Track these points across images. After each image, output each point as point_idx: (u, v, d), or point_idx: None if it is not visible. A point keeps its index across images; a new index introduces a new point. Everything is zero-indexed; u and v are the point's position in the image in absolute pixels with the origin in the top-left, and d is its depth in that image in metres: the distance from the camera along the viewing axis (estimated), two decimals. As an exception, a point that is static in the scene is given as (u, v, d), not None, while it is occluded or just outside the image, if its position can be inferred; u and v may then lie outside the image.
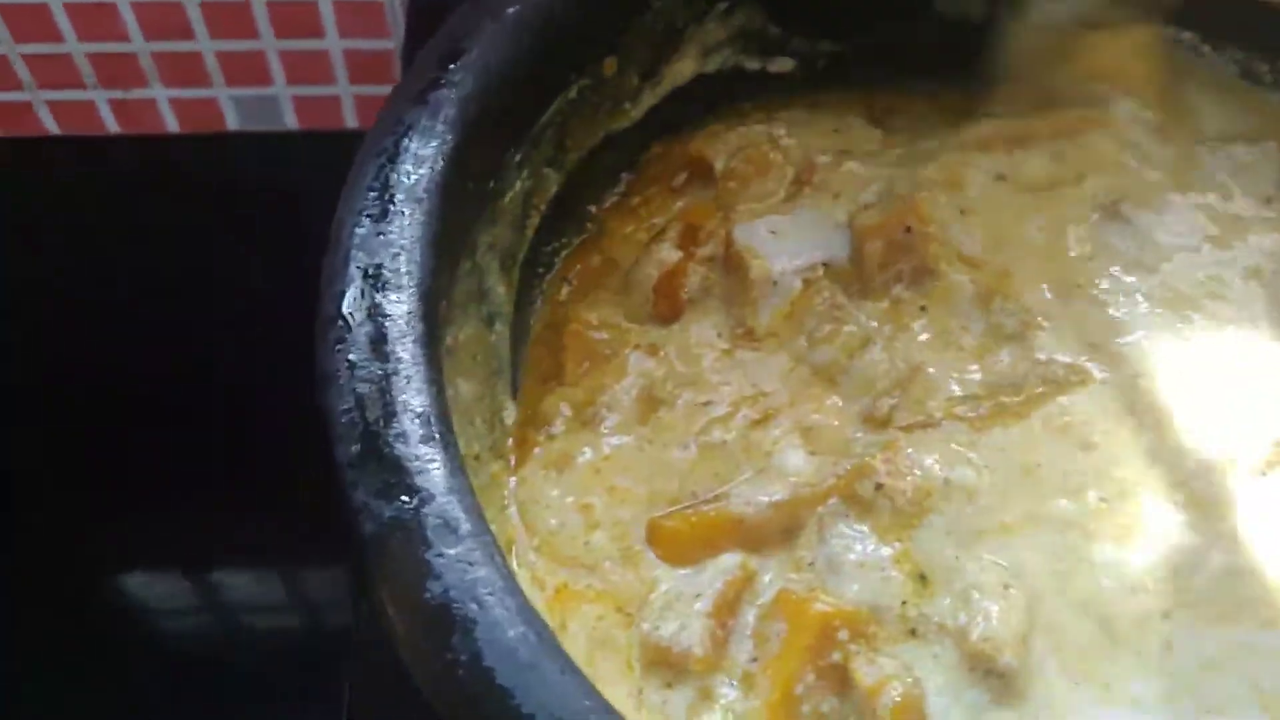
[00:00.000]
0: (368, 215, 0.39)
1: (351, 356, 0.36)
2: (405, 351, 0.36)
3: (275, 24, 0.67)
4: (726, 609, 0.39)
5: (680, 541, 0.41)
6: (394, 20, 0.67)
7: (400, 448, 0.34)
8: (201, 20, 0.66)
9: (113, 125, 0.72)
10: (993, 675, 0.37)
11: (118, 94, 0.70)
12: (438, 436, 0.35)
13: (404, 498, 0.34)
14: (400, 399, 0.35)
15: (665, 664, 0.39)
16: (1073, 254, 0.48)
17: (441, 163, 0.41)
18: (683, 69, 0.57)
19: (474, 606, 0.32)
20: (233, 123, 0.73)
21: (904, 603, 0.39)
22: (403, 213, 0.40)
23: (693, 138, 0.56)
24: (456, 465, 0.35)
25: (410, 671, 0.32)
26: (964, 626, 0.38)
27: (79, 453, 0.62)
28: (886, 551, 0.40)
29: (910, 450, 0.42)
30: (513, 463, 0.45)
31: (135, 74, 0.69)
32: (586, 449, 0.45)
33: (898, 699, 0.36)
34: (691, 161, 0.56)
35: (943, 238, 0.48)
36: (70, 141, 0.73)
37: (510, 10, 0.46)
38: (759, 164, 0.53)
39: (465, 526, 0.33)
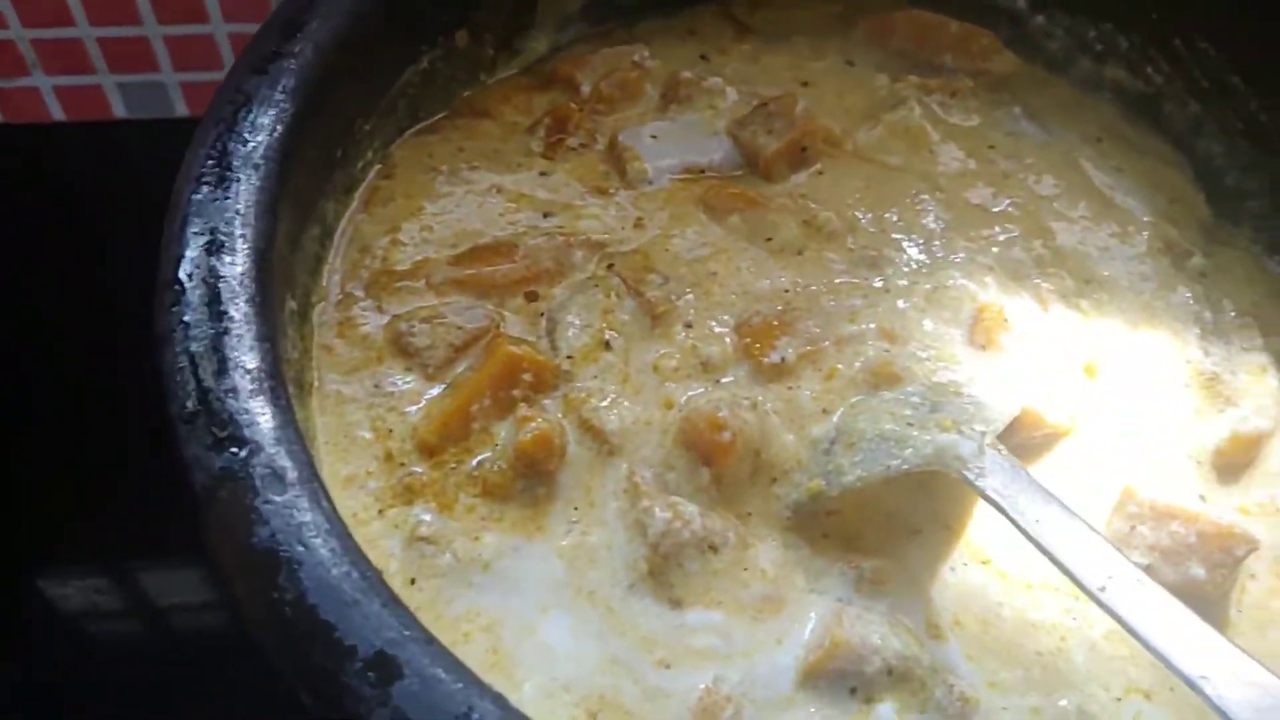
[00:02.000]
0: (205, 182, 0.41)
1: (186, 318, 0.38)
2: (237, 311, 0.38)
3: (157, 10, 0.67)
4: (466, 345, 0.46)
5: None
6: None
7: (231, 402, 0.36)
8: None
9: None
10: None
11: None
12: (268, 390, 0.37)
13: (234, 449, 0.35)
14: (232, 356, 0.37)
15: (404, 354, 0.46)
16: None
17: (280, 130, 0.43)
18: (538, 44, 0.58)
19: (300, 549, 0.34)
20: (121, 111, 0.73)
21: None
22: (239, 179, 0.41)
23: (554, 59, 0.58)
24: (286, 418, 0.36)
25: (240, 614, 0.34)
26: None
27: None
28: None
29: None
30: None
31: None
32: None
33: (530, 434, 0.42)
34: (556, 80, 0.57)
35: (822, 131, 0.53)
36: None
37: (349, -17, 0.47)
38: (625, 88, 0.55)
39: (292, 475, 0.35)
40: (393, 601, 0.34)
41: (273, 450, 0.35)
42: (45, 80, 0.71)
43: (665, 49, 0.58)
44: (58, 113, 0.73)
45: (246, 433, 0.36)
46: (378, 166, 0.52)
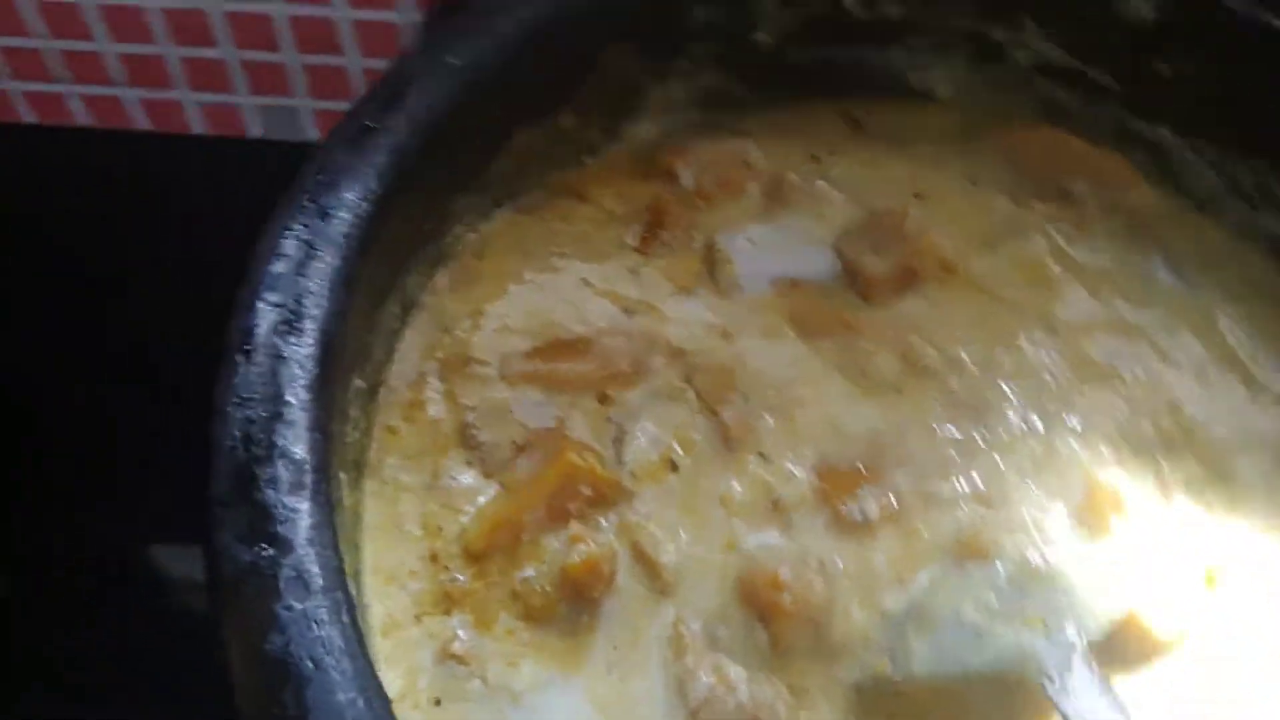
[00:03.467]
0: (283, 256, 0.40)
1: (242, 393, 0.36)
2: (295, 396, 0.37)
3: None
4: (529, 445, 0.44)
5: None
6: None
7: (269, 493, 0.34)
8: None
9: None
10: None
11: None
12: (309, 486, 0.35)
13: (264, 545, 0.34)
14: (280, 444, 0.36)
15: (466, 446, 0.44)
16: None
17: (365, 208, 0.42)
18: (648, 128, 0.56)
19: (309, 665, 0.32)
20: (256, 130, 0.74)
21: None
22: (318, 257, 0.40)
23: (657, 147, 0.55)
24: (323, 518, 0.35)
25: (240, 712, 0.32)
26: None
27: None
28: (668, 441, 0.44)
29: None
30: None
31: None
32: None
33: (579, 558, 0.40)
34: (658, 170, 0.54)
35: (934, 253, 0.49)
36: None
37: (451, 61, 0.46)
38: (728, 185, 0.53)
39: (318, 582, 0.33)
40: (397, 741, 0.31)
41: (303, 551, 0.34)
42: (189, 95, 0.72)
43: (774, 144, 0.55)
44: (199, 125, 0.74)
45: (280, 530, 0.34)
46: (469, 240, 0.51)
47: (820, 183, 0.52)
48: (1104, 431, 0.44)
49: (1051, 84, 0.54)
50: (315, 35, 0.68)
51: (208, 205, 0.70)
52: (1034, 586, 0.39)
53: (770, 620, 0.39)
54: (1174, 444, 0.45)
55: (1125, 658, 0.40)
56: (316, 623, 0.33)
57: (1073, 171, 0.53)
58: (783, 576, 0.39)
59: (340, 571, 0.34)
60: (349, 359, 0.42)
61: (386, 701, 0.32)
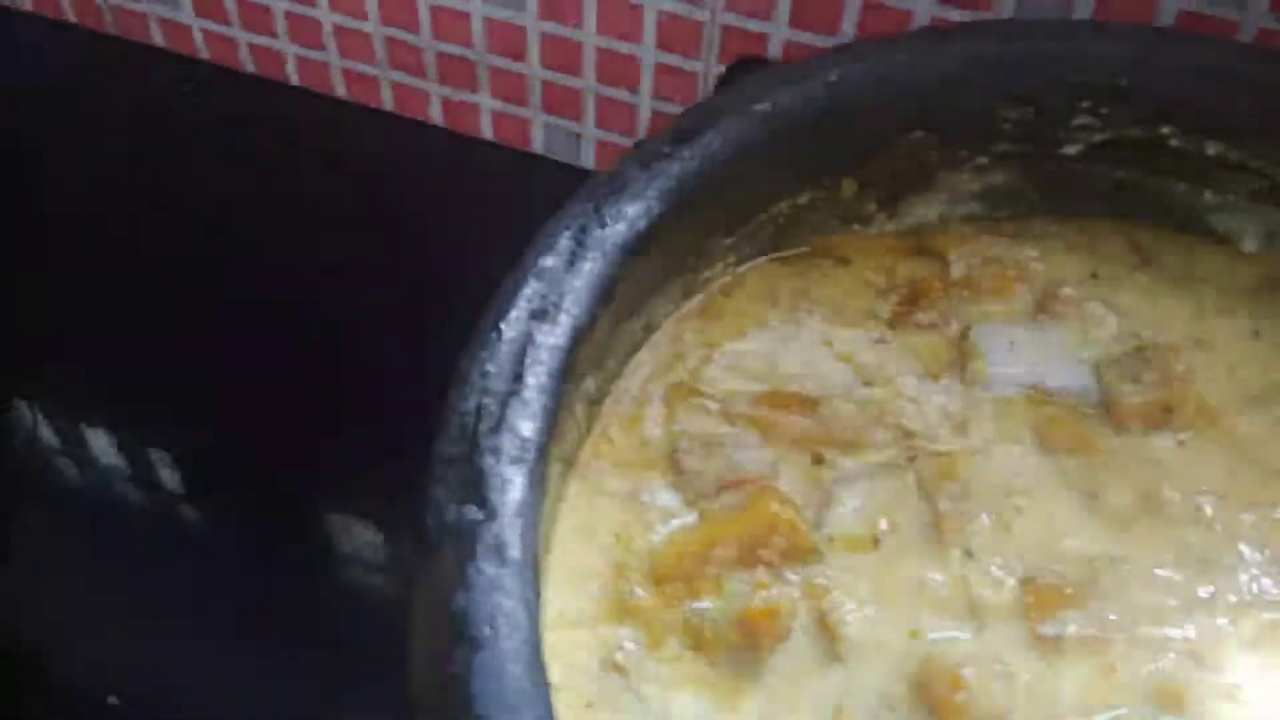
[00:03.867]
0: (554, 252, 0.42)
1: (489, 368, 0.39)
2: (534, 379, 0.39)
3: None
4: (735, 484, 0.44)
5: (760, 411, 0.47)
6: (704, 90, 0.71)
7: (490, 461, 0.36)
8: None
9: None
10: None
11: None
12: (529, 462, 0.37)
13: (474, 506, 0.35)
14: (511, 419, 0.37)
15: (673, 470, 0.45)
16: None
17: (642, 225, 0.43)
18: (927, 211, 0.56)
19: (487, 630, 0.33)
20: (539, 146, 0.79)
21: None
22: (587, 258, 0.42)
23: (933, 231, 0.55)
24: (534, 497, 0.36)
25: (409, 660, 0.34)
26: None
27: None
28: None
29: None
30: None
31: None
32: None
33: (763, 603, 0.40)
34: (928, 251, 0.54)
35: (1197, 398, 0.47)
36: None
37: (757, 108, 0.47)
38: (999, 284, 0.52)
39: (515, 554, 0.35)
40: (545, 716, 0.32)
41: (508, 521, 0.35)
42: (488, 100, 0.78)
43: (1054, 254, 0.53)
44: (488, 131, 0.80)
45: (492, 496, 0.36)
46: (723, 281, 0.52)
47: (1095, 304, 0.51)
48: (1350, 622, 0.41)
49: (1369, 254, 0.51)
50: (617, 68, 0.72)
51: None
52: None
53: (940, 716, 0.38)
54: None
55: None
56: (502, 591, 0.34)
57: (1369, 344, 0.49)
58: (965, 674, 0.38)
59: (535, 551, 0.36)
60: (589, 360, 0.43)
61: (548, 686, 0.33)
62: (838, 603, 0.41)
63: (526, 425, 0.37)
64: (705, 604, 0.41)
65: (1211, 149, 0.52)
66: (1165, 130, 0.52)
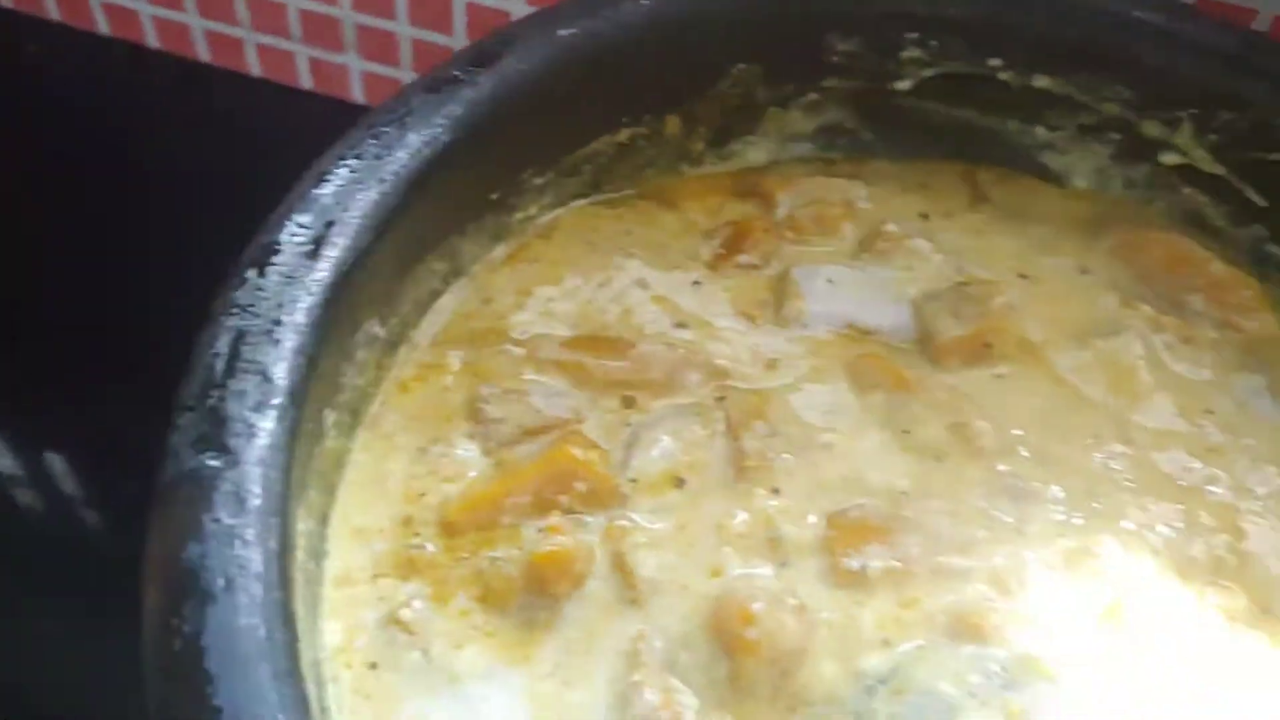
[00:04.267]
0: (327, 182, 0.39)
1: (240, 304, 0.36)
2: (289, 318, 0.36)
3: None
4: (538, 431, 0.42)
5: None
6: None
7: (232, 405, 0.34)
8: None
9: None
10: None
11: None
12: (275, 408, 0.34)
13: (211, 454, 0.33)
14: (259, 359, 0.35)
15: (473, 419, 0.42)
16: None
17: (426, 154, 0.41)
18: (758, 151, 0.54)
19: (220, 582, 0.30)
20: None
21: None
22: (361, 190, 0.39)
23: (765, 173, 0.53)
24: (282, 442, 0.34)
25: (143, 621, 0.31)
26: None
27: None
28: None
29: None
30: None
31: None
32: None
33: (550, 548, 0.38)
34: (757, 194, 0.52)
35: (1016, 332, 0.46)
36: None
37: (563, 33, 0.45)
38: (823, 222, 0.50)
39: (255, 502, 0.32)
40: (287, 677, 0.29)
41: (249, 469, 0.33)
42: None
43: (887, 195, 0.52)
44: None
45: (231, 442, 0.33)
46: (539, 221, 0.50)
47: (921, 240, 0.49)
48: (1151, 545, 0.40)
49: (1196, 192, 0.50)
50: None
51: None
52: (1024, 680, 0.35)
53: (734, 654, 0.36)
54: (1224, 572, 0.40)
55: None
56: (240, 541, 0.31)
57: (1194, 284, 0.48)
58: (753, 609, 0.36)
59: (284, 500, 0.33)
60: (367, 301, 0.41)
61: (292, 637, 0.31)
62: (636, 545, 0.39)
63: (277, 368, 0.35)
64: (497, 553, 0.39)
65: (1040, 82, 0.51)
66: (994, 63, 0.51)
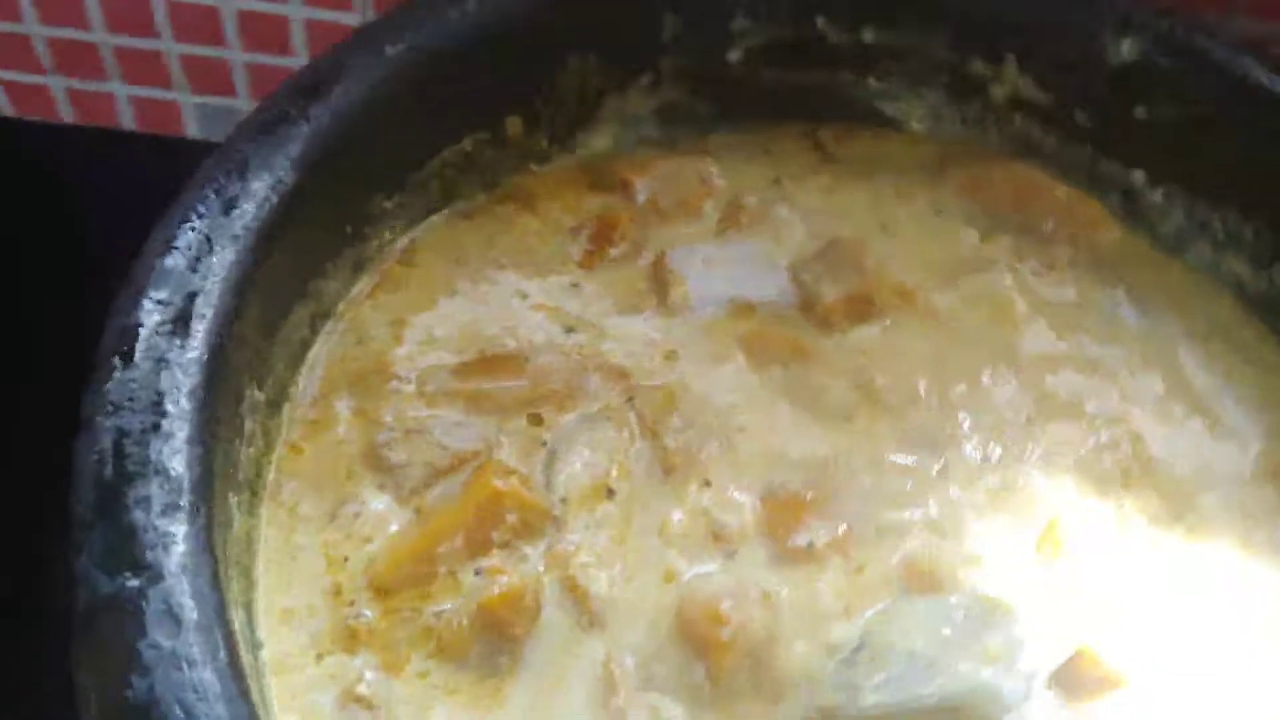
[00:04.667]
0: (176, 250, 0.36)
1: (114, 400, 0.32)
2: (174, 405, 0.32)
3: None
4: (450, 469, 0.40)
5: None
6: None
7: (138, 515, 0.30)
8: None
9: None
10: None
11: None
12: (185, 507, 0.31)
13: (128, 573, 0.29)
14: (154, 458, 0.31)
15: (377, 469, 0.40)
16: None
17: (274, 203, 0.38)
18: (599, 141, 0.53)
19: (179, 713, 0.28)
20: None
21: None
22: (214, 252, 0.36)
23: (613, 161, 0.51)
24: (201, 544, 0.30)
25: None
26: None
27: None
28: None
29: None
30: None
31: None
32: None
33: (497, 591, 0.37)
34: (612, 183, 0.51)
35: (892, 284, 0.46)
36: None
37: (388, 51, 0.42)
38: (684, 204, 0.50)
39: (191, 616, 0.29)
40: (276, 801, 0.27)
41: (174, 581, 0.29)
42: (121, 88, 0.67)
43: (736, 166, 0.52)
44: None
45: (148, 555, 0.30)
46: (399, 246, 0.47)
47: (780, 207, 0.50)
48: (1064, 465, 0.42)
49: (1028, 121, 0.52)
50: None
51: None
52: (990, 620, 0.36)
53: (708, 656, 0.36)
54: (1134, 479, 0.42)
55: (1079, 690, 0.37)
56: (188, 663, 0.28)
57: (1042, 209, 0.50)
58: (722, 609, 0.36)
59: (220, 606, 0.30)
60: (244, 367, 0.37)
61: (265, 756, 0.28)
62: (584, 566, 0.38)
63: (175, 463, 0.31)
64: (443, 606, 0.37)
65: (867, 36, 0.52)
66: (819, 22, 0.52)
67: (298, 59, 0.64)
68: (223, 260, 0.36)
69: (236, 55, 0.64)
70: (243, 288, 0.36)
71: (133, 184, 0.67)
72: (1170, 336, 0.47)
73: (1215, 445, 0.44)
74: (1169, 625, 0.39)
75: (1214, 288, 0.50)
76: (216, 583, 0.30)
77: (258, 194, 0.37)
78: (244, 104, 0.67)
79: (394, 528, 0.39)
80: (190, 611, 0.29)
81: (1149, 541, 0.41)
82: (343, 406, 0.42)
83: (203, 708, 0.28)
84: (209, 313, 0.34)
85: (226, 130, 0.67)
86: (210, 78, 0.65)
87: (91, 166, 0.69)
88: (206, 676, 0.28)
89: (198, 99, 0.67)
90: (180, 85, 0.66)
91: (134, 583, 0.29)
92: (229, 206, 0.37)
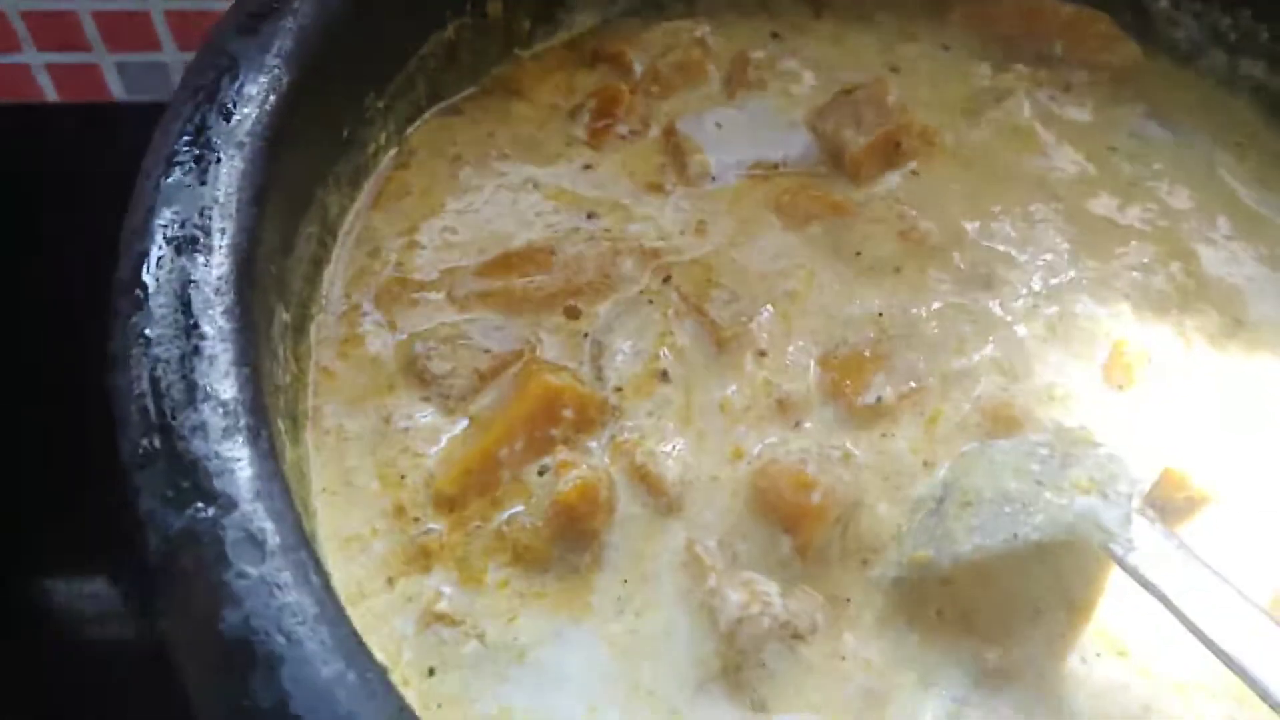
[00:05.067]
0: (178, 164, 0.33)
1: (147, 331, 0.30)
2: (212, 326, 0.30)
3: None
4: (495, 372, 0.38)
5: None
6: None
7: (198, 444, 0.28)
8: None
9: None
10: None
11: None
12: (246, 429, 0.28)
13: (199, 504, 0.27)
14: (203, 383, 0.29)
15: (420, 382, 0.38)
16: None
17: (273, 102, 0.35)
18: (583, 17, 0.50)
19: (281, 640, 0.25)
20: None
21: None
22: (220, 160, 0.33)
23: (601, 33, 0.49)
24: (270, 465, 0.28)
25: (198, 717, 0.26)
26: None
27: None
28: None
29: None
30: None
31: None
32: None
33: (570, 486, 0.35)
34: (603, 58, 0.48)
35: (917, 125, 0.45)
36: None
37: (365, -67, 0.39)
38: (685, 68, 0.47)
39: (275, 539, 0.27)
40: (403, 713, 0.25)
41: (250, 507, 0.27)
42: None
43: (730, 26, 0.50)
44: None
45: (217, 484, 0.27)
46: (392, 153, 0.44)
47: (786, 60, 0.47)
48: (1119, 289, 0.41)
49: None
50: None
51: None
52: (1075, 452, 0.35)
53: (796, 527, 0.34)
54: (1190, 296, 0.42)
55: (1172, 511, 0.37)
56: (279, 588, 0.26)
57: (1049, 32, 0.49)
58: (808, 471, 0.34)
59: (299, 525, 0.28)
60: (270, 285, 0.35)
61: (382, 669, 0.26)
62: (651, 453, 0.36)
63: (225, 385, 0.29)
64: (514, 510, 0.35)
65: None
66: None
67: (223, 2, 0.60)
68: (232, 169, 0.33)
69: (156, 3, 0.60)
70: (259, 196, 0.33)
71: (62, 157, 0.63)
72: (1201, 147, 0.46)
73: (1262, 251, 0.43)
74: (1249, 441, 0.39)
75: (1234, 95, 0.48)
76: (292, 503, 0.28)
77: (255, 96, 0.34)
78: (170, 58, 0.63)
79: (446, 438, 0.37)
80: (273, 535, 0.27)
81: (1213, 357, 0.40)
82: (369, 322, 0.39)
83: (304, 631, 0.26)
84: (229, 225, 0.32)
85: (154, 88, 0.64)
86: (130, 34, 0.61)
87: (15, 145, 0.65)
88: (303, 600, 0.26)
89: (118, 57, 0.63)
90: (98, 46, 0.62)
91: (207, 513, 0.27)
92: (227, 112, 0.34)
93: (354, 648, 0.26)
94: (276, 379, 0.35)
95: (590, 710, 0.32)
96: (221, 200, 0.32)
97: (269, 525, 0.27)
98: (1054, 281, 0.41)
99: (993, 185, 0.44)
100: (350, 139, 0.41)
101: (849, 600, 0.34)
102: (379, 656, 0.32)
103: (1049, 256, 0.42)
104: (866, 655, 0.34)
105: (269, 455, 0.29)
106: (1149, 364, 0.39)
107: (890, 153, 0.44)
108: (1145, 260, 0.42)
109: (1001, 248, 0.42)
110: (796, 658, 0.33)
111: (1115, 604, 0.36)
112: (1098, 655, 0.35)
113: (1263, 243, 0.43)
